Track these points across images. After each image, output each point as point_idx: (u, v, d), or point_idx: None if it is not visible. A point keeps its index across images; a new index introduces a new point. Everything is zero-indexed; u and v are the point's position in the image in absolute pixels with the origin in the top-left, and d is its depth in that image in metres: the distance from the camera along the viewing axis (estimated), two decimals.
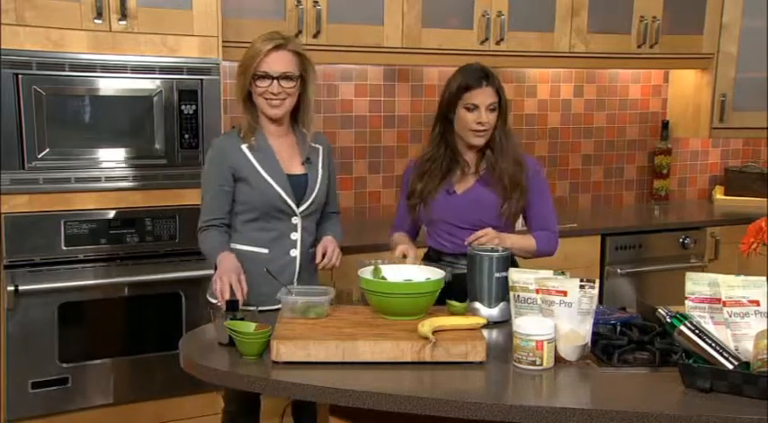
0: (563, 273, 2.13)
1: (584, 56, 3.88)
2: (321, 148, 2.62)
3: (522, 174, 2.55)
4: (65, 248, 2.91)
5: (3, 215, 2.81)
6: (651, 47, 3.98)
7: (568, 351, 2.01)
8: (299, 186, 2.52)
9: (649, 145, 4.50)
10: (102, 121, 2.92)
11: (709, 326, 2.02)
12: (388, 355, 1.98)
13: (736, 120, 4.20)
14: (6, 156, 2.78)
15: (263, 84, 2.44)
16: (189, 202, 2.97)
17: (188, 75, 3.00)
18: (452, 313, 2.18)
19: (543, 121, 4.23)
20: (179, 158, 3.03)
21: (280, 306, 2.26)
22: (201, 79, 3.02)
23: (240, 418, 2.62)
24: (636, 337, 2.13)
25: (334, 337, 2.03)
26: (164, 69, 2.96)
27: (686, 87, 4.35)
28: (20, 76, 2.76)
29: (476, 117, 2.49)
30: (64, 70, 2.82)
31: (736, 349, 1.97)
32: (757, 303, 2.01)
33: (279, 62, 2.43)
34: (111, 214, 2.97)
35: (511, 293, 2.15)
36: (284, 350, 1.98)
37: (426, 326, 2.02)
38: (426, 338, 1.99)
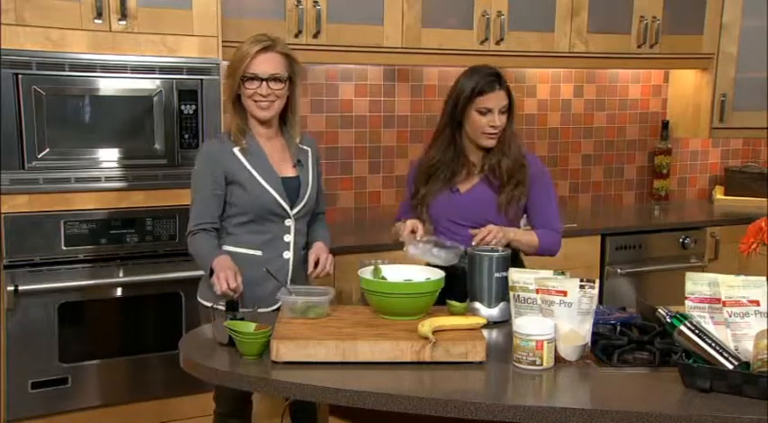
0: (563, 273, 2.13)
1: (584, 56, 3.88)
2: (310, 150, 2.61)
3: (522, 171, 2.55)
4: (65, 248, 2.91)
5: (3, 215, 2.81)
6: (651, 47, 3.98)
7: (568, 351, 2.01)
8: (292, 189, 2.52)
9: (649, 145, 4.50)
10: (102, 121, 2.92)
11: (709, 326, 2.02)
12: (387, 355, 1.98)
13: (736, 120, 4.20)
14: (6, 156, 2.78)
15: (251, 86, 2.43)
16: (189, 202, 2.95)
17: (188, 75, 3.00)
18: (452, 313, 2.18)
19: (543, 121, 4.23)
20: (179, 158, 3.03)
21: (277, 306, 2.26)
22: (201, 79, 3.01)
23: (231, 419, 2.61)
24: (636, 337, 2.13)
25: (334, 337, 2.03)
26: (164, 69, 2.96)
27: (686, 87, 4.35)
28: (20, 76, 2.76)
29: (489, 120, 2.50)
30: (64, 70, 2.82)
31: (736, 349, 1.97)
32: (757, 303, 2.01)
33: (267, 64, 2.42)
34: (111, 214, 2.97)
35: (511, 293, 2.15)
36: (284, 350, 1.98)
37: (426, 326, 2.02)
38: (426, 338, 1.99)
